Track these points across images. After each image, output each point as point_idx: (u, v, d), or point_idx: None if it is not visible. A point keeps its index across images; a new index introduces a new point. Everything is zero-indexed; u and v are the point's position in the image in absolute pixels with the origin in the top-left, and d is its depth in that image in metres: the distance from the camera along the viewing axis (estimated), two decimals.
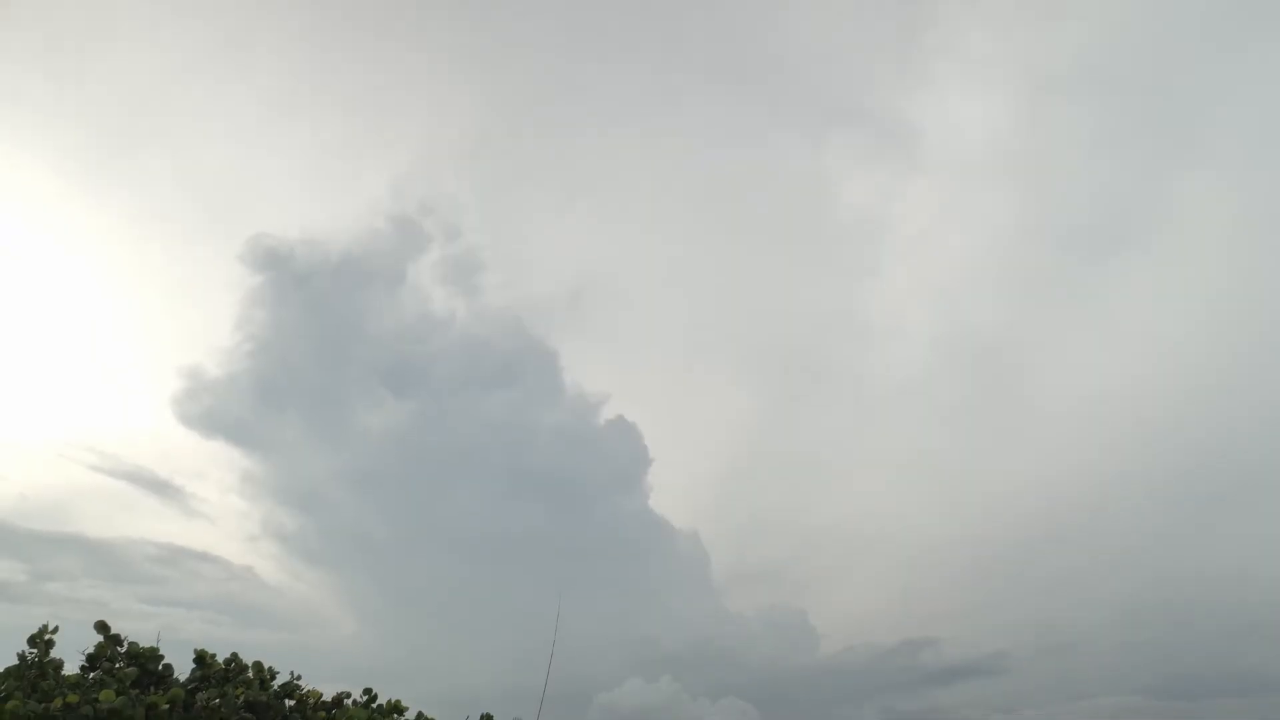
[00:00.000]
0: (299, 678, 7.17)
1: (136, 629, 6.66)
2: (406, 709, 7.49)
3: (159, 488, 51.07)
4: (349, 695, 7.37)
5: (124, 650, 6.51)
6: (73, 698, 5.40)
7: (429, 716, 7.37)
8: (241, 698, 6.32)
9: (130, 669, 6.18)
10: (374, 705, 7.37)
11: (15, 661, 6.06)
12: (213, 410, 55.87)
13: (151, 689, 6.19)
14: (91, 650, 6.39)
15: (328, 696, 7.17)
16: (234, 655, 7.16)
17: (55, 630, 6.22)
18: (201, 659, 7.02)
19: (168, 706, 5.67)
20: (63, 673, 6.02)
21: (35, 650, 6.02)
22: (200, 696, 6.08)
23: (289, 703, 6.80)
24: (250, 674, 7.00)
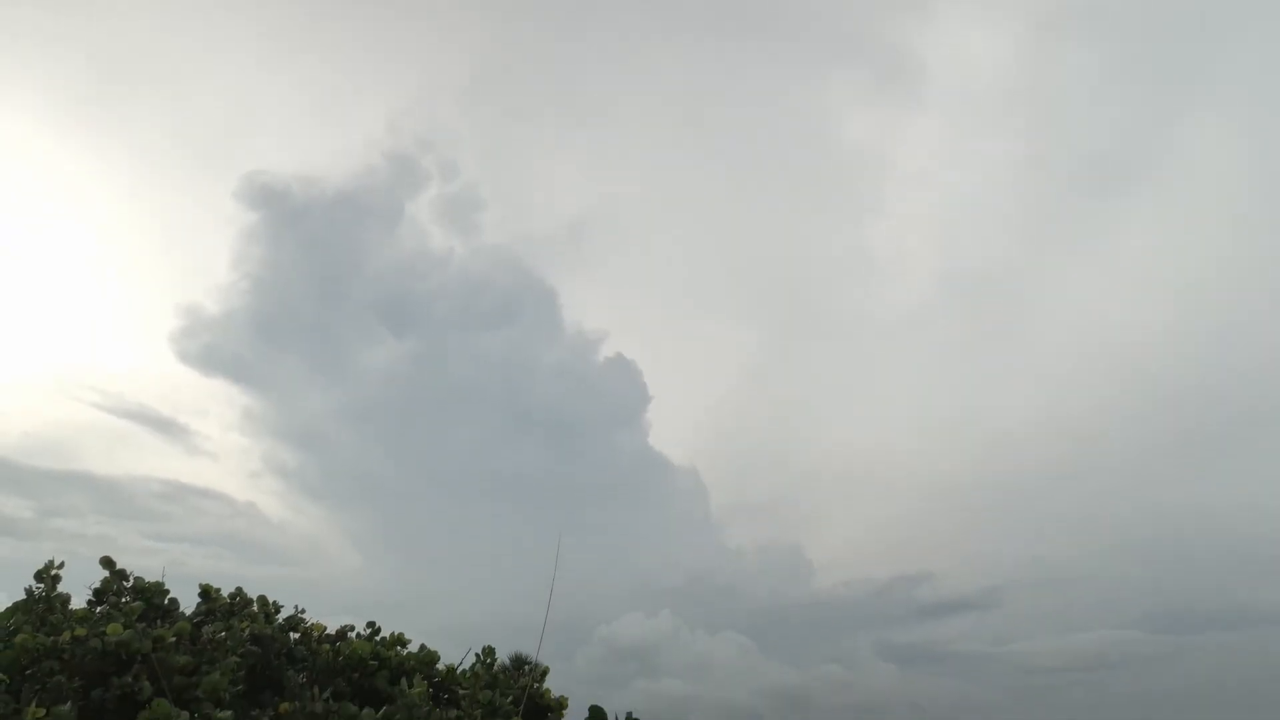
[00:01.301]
0: (303, 611, 7.29)
1: (142, 564, 6.75)
2: (409, 641, 7.62)
3: (162, 425, 51.52)
4: (353, 628, 7.50)
5: (130, 585, 6.61)
6: (81, 631, 5.49)
7: (431, 649, 7.51)
8: (247, 631, 6.43)
9: (136, 603, 6.28)
10: (377, 638, 7.50)
11: (24, 597, 6.16)
12: (211, 348, 56.02)
13: (158, 623, 6.30)
14: (98, 585, 6.48)
15: (331, 630, 7.30)
16: (238, 590, 7.28)
17: (61, 565, 6.29)
18: (206, 593, 7.14)
19: (174, 639, 5.77)
20: (70, 607, 6.11)
21: (42, 585, 6.10)
22: (206, 630, 6.19)
23: (294, 636, 6.92)
24: (255, 608, 7.12)
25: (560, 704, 7.63)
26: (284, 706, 5.77)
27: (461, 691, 7.10)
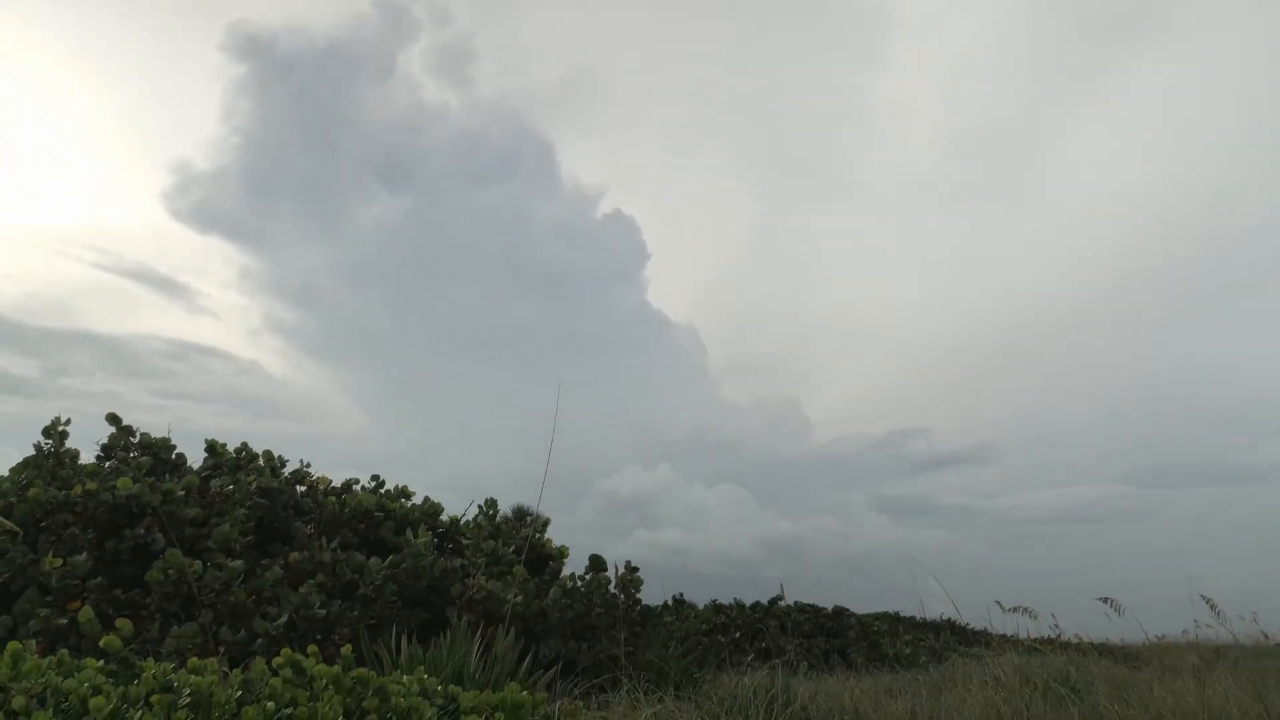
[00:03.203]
0: (308, 466, 7.45)
1: (150, 421, 6.87)
2: (413, 494, 7.82)
3: (162, 284, 51.29)
4: (357, 482, 7.68)
5: (136, 441, 6.72)
6: (92, 485, 5.62)
7: (435, 501, 7.71)
8: (254, 484, 6.58)
9: (144, 458, 6.40)
10: (382, 491, 7.69)
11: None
12: (204, 205, 55.03)
13: (166, 477, 6.44)
14: (105, 441, 6.59)
15: (336, 483, 7.47)
16: (244, 445, 7.41)
17: (68, 422, 6.38)
18: (213, 449, 7.27)
19: (183, 493, 5.92)
20: (79, 463, 6.23)
21: (50, 441, 6.20)
22: (214, 483, 6.34)
23: (300, 489, 7.09)
24: (260, 462, 7.27)
25: (561, 553, 7.91)
26: (293, 556, 5.98)
27: (465, 542, 7.34)
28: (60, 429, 6.31)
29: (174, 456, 6.83)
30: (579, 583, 7.18)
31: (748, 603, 11.37)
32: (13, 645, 2.63)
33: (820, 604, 12.55)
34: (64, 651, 2.84)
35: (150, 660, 2.94)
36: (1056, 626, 7.88)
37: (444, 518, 7.68)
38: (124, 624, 3.49)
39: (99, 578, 5.18)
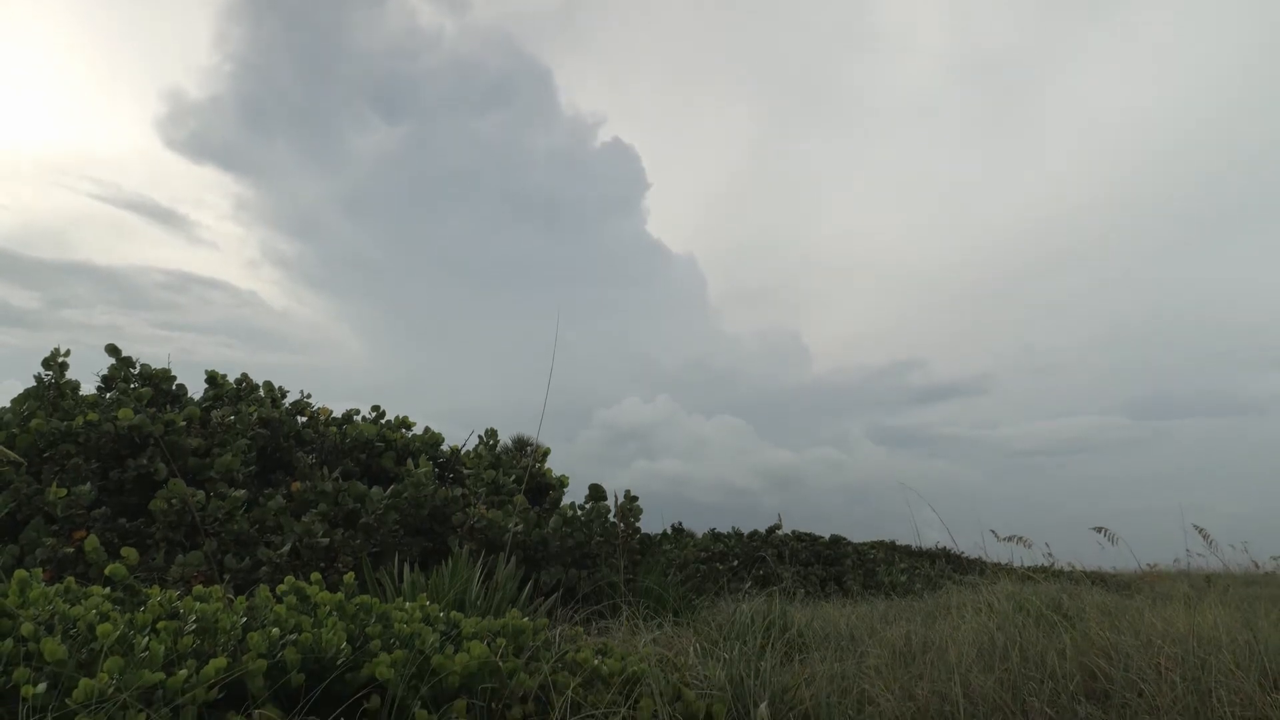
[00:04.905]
0: (309, 396, 7.46)
1: (151, 353, 6.85)
2: (414, 424, 7.85)
3: (161, 215, 50.78)
4: (358, 412, 7.71)
5: (137, 372, 6.72)
6: (93, 416, 5.63)
7: (435, 431, 7.75)
8: (255, 415, 6.60)
9: (145, 389, 6.41)
10: (383, 421, 7.72)
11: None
12: (198, 134, 54.23)
13: (167, 408, 6.45)
14: (105, 372, 6.59)
15: (337, 414, 7.50)
16: (244, 375, 7.41)
17: (68, 354, 6.36)
18: (213, 379, 7.27)
19: (185, 423, 5.94)
20: (80, 394, 6.23)
21: (50, 373, 6.20)
22: (215, 414, 6.35)
23: (301, 419, 7.11)
24: (261, 393, 7.28)
25: (561, 482, 7.98)
26: (296, 485, 6.03)
27: (466, 471, 7.40)
28: (60, 360, 6.29)
29: (174, 387, 6.84)
30: (579, 511, 7.26)
31: (746, 531, 11.52)
32: (20, 573, 2.66)
33: (817, 533, 12.73)
34: (70, 579, 2.87)
35: (156, 587, 2.98)
36: (1050, 555, 7.98)
37: (445, 448, 7.73)
38: (129, 552, 3.53)
39: (103, 507, 5.23)
